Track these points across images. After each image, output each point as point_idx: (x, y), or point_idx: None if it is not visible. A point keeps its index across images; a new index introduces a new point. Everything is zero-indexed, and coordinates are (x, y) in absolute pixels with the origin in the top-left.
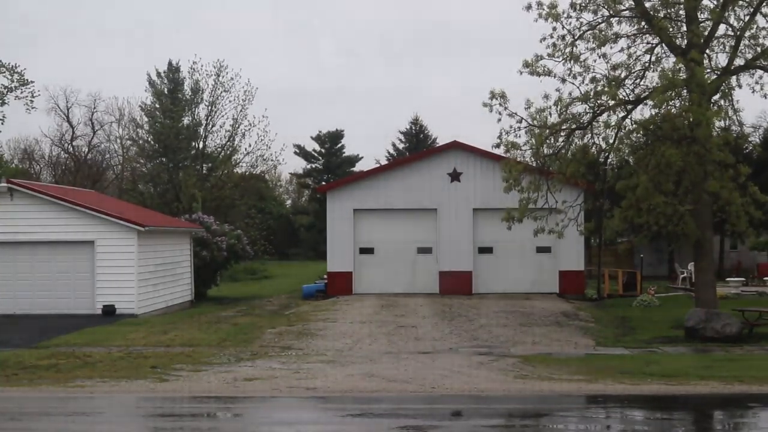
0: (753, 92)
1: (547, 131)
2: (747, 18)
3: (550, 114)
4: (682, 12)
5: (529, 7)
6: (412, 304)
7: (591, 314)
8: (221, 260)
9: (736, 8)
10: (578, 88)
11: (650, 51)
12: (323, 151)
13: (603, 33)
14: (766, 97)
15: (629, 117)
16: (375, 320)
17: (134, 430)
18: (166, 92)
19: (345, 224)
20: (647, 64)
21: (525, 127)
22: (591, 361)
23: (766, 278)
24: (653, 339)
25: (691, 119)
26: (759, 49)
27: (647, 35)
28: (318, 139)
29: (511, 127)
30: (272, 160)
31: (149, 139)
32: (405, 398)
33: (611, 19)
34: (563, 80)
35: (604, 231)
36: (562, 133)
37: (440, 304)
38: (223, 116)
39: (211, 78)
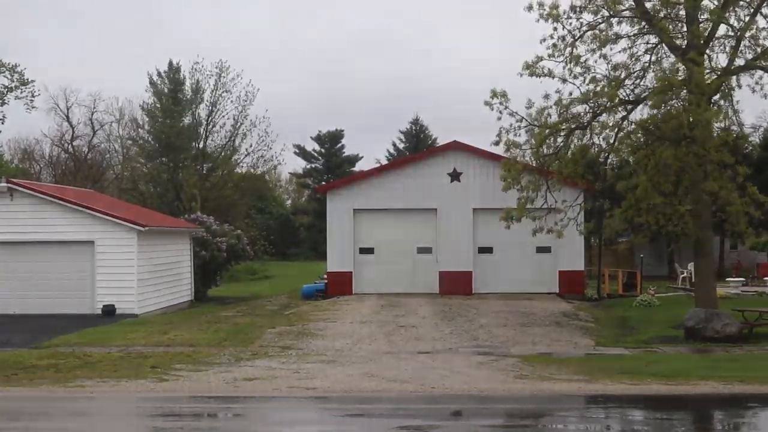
0: (753, 92)
1: (547, 131)
2: (747, 18)
3: (550, 114)
4: (682, 12)
5: (530, 8)
6: (412, 304)
7: (591, 314)
8: (221, 260)
9: (736, 8)
10: (578, 88)
11: (650, 51)
12: (323, 151)
13: (603, 33)
14: (766, 97)
15: (629, 117)
16: (375, 320)
17: (134, 430)
18: (166, 92)
19: (345, 224)
20: (647, 65)
21: (525, 127)
22: (591, 361)
23: (766, 278)
24: (653, 339)
25: (690, 120)
26: (759, 50)
27: (647, 35)
28: (318, 139)
29: (511, 125)
30: (272, 161)
31: (149, 138)
32: (405, 398)
33: (611, 20)
34: (563, 81)
35: (604, 231)
36: (562, 133)
37: (440, 304)
38: (223, 116)
39: (212, 78)
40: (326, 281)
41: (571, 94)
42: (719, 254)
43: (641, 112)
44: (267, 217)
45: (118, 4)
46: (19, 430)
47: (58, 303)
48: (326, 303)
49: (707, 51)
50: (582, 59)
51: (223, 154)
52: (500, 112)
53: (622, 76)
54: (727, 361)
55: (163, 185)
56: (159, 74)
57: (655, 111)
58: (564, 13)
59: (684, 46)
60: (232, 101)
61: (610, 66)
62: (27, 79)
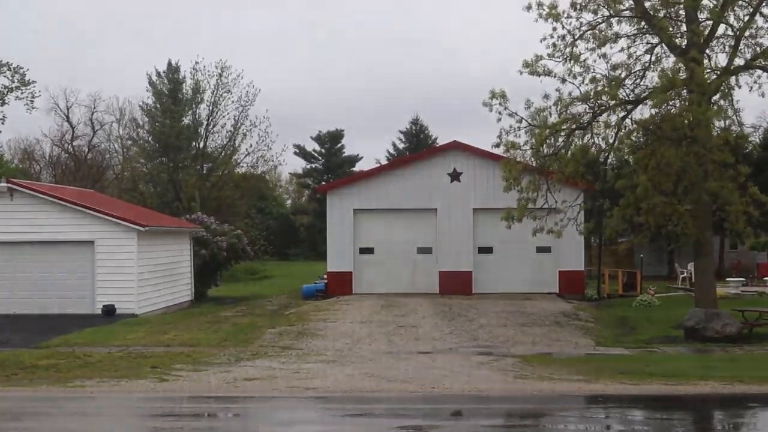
0: (750, 90)
1: (547, 131)
2: (747, 18)
3: (550, 114)
4: (682, 12)
5: (529, 8)
6: (412, 304)
7: (591, 314)
8: (221, 260)
9: (735, 8)
10: (578, 88)
11: (650, 51)
12: (323, 151)
13: (603, 33)
14: (764, 96)
15: (629, 117)
16: (375, 320)
17: (134, 430)
18: (166, 92)
19: (345, 224)
20: (647, 64)
21: (525, 127)
22: (591, 361)
23: (766, 278)
24: (653, 339)
25: (690, 119)
26: (759, 49)
27: (647, 35)
28: (318, 139)
29: (510, 126)
30: (273, 161)
31: (149, 138)
32: (405, 398)
33: (611, 19)
34: (563, 80)
35: (604, 231)
36: (562, 133)
37: (440, 304)
38: (224, 116)
39: (213, 78)
40: (326, 281)
41: (570, 93)
42: (719, 254)
43: (641, 112)
44: (267, 217)
45: (118, 4)
46: (19, 430)
47: (58, 303)
48: (326, 303)
49: (707, 50)
50: (582, 58)
51: (223, 154)
52: (499, 113)
53: (622, 75)
54: (727, 361)
55: (162, 185)
56: (158, 74)
57: (655, 111)
58: (563, 13)
59: (684, 46)
60: (233, 101)
61: (609, 66)
62: (28, 80)
